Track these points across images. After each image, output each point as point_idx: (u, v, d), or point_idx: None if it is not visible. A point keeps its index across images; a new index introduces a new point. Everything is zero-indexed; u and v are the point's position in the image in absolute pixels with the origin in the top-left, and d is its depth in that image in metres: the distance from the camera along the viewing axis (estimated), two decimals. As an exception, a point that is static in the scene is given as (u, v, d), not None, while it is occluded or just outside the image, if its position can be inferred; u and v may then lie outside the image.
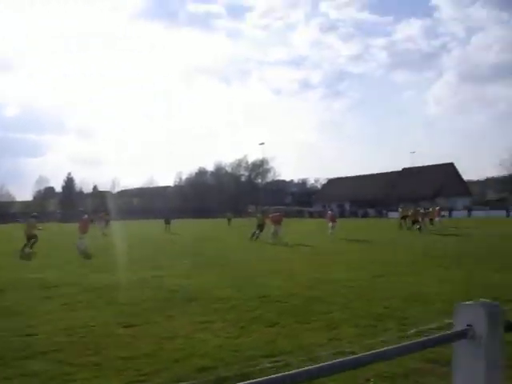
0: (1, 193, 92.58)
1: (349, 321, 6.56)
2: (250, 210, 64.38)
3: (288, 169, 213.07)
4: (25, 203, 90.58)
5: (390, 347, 1.48)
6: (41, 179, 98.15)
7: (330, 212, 27.11)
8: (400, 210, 34.11)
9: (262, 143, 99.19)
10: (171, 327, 6.54)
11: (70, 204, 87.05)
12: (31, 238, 19.27)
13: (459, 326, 1.57)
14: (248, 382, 1.14)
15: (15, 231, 25.81)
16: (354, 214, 74.50)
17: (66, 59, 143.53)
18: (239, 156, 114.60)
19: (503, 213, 60.00)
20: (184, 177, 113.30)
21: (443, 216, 36.78)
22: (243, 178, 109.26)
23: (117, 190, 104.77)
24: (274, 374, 1.27)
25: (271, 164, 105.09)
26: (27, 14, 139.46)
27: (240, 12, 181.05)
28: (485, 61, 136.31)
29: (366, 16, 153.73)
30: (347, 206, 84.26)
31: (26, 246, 18.90)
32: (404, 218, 30.50)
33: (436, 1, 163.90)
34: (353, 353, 4.95)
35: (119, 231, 29.25)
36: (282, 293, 8.92)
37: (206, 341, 5.81)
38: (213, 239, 25.80)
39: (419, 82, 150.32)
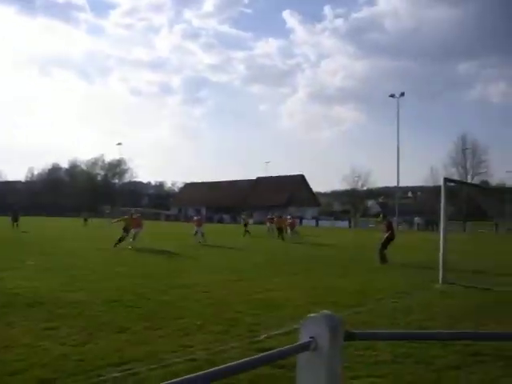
0: None
1: (202, 326, 6.57)
2: (107, 211, 61.86)
3: (145, 171, 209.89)
4: None
5: (239, 361, 1.50)
6: None
7: (196, 217, 26.50)
8: (243, 217, 36.81)
9: (120, 143, 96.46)
10: (10, 335, 5.95)
11: None
12: None
13: (303, 338, 1.64)
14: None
15: None
16: (209, 219, 75.42)
17: None
18: (96, 155, 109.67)
19: (346, 223, 65.68)
20: (36, 172, 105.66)
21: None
22: (99, 178, 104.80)
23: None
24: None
25: (128, 165, 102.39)
26: None
27: (103, 8, 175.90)
28: (331, 84, 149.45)
29: (226, 29, 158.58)
30: (203, 211, 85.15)
31: None
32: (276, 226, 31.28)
33: (291, 24, 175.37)
34: (206, 360, 4.99)
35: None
36: (134, 297, 8.66)
37: (48, 350, 5.38)
38: (65, 239, 24.30)
39: (274, 96, 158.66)
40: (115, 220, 23.30)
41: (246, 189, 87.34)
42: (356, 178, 79.11)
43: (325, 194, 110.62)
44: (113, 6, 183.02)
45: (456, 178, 54.88)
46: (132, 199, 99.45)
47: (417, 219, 59.29)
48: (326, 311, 1.73)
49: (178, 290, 9.67)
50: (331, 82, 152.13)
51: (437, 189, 12.54)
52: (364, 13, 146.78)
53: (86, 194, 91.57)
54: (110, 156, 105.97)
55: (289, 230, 26.87)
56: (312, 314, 1.68)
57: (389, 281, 11.50)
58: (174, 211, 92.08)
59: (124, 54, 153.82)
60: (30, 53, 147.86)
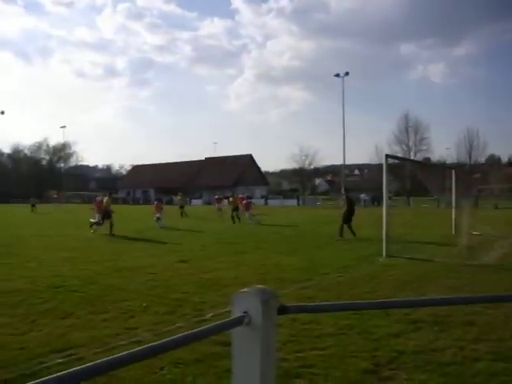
0: None
1: (147, 308, 6.50)
2: (54, 196, 59.83)
3: (92, 154, 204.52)
4: None
5: (169, 338, 1.47)
6: None
7: (156, 202, 25.32)
8: (178, 198, 35.56)
9: (64, 126, 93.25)
10: None
11: None
12: None
13: (236, 313, 1.63)
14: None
15: None
16: (158, 201, 74.55)
17: None
18: (39, 139, 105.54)
19: (295, 201, 66.66)
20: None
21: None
22: (44, 162, 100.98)
23: None
24: (65, 369, 1.17)
25: (74, 148, 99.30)
26: None
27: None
28: (278, 64, 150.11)
29: (172, 8, 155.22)
30: (152, 193, 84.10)
31: None
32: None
33: (236, 5, 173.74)
34: (152, 341, 4.94)
35: None
36: (78, 282, 8.46)
37: (-13, 341, 5.19)
38: (9, 226, 23.42)
39: (221, 77, 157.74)
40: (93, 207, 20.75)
41: (194, 169, 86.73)
42: (304, 157, 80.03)
43: (273, 174, 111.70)
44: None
45: (400, 155, 56.70)
46: (79, 183, 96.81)
47: (363, 196, 60.82)
48: (258, 285, 1.72)
49: (123, 273, 9.52)
50: (278, 62, 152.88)
51: (382, 166, 12.85)
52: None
53: (30, 179, 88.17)
54: (55, 140, 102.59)
55: (246, 214, 25.12)
56: (244, 289, 1.67)
57: (335, 256, 11.77)
58: (122, 194, 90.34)
59: (66, 34, 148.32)
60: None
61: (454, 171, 18.62)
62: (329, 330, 5.35)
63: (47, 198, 66.05)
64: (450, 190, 18.37)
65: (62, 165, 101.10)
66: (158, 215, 23.06)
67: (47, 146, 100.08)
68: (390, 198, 16.79)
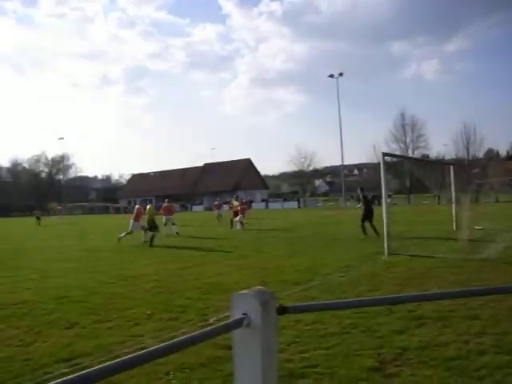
0: None
1: (151, 316, 6.52)
2: (58, 207, 59.81)
3: (91, 164, 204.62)
4: None
5: (170, 342, 1.50)
6: None
7: (165, 204, 23.45)
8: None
9: (62, 138, 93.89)
10: (-51, 343, 5.71)
11: None
12: None
13: (236, 315, 1.65)
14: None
15: None
16: (159, 209, 74.64)
17: None
18: (37, 151, 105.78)
19: (295, 204, 66.68)
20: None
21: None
22: (43, 175, 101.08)
23: None
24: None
25: (72, 160, 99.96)
26: None
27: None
28: (271, 67, 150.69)
29: (164, 16, 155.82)
30: (153, 201, 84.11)
31: None
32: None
33: (227, 9, 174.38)
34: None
35: None
36: (82, 292, 8.47)
37: (-7, 353, 5.21)
38: (12, 240, 23.44)
39: (216, 82, 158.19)
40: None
41: (194, 176, 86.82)
42: (302, 159, 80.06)
43: (273, 177, 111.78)
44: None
45: (398, 153, 56.66)
46: (79, 194, 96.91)
47: (363, 195, 60.79)
48: (257, 287, 1.75)
49: (126, 281, 9.54)
50: (271, 65, 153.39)
51: (380, 165, 12.88)
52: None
53: (30, 192, 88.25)
54: (53, 152, 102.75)
55: (237, 217, 23.99)
56: (243, 291, 1.69)
57: (337, 256, 11.78)
58: (123, 203, 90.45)
59: (59, 45, 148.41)
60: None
61: (452, 167, 18.65)
62: (333, 330, 5.37)
63: (48, 211, 66.13)
64: (450, 185, 18.40)
65: (62, 176, 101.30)
66: (165, 218, 22.12)
67: (46, 158, 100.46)
68: (390, 196, 16.84)
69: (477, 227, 15.70)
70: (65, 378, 1.23)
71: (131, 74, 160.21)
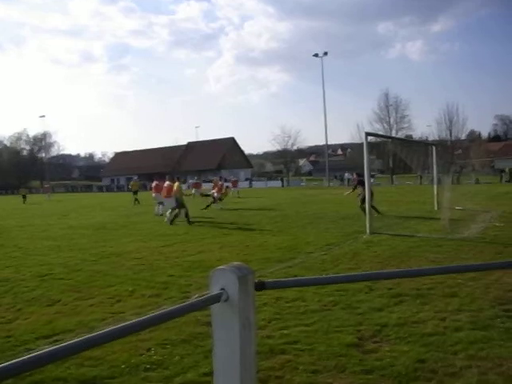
0: None
1: (133, 292, 6.54)
2: (46, 185, 59.03)
3: (74, 143, 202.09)
4: None
5: (148, 316, 1.50)
6: None
7: (158, 183, 21.70)
8: (131, 183, 34.06)
9: (43, 116, 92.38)
10: None
11: None
12: None
13: (214, 290, 1.66)
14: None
15: None
16: (143, 187, 74.16)
17: None
18: (18, 129, 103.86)
19: (279, 183, 66.89)
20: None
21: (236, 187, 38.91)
22: (25, 153, 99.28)
23: None
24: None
25: (55, 138, 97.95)
26: None
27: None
28: (257, 46, 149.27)
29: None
30: (136, 179, 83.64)
31: None
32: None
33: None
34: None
35: None
36: (64, 270, 8.44)
37: (-27, 330, 5.19)
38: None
39: (200, 60, 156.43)
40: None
41: (177, 155, 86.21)
42: (286, 138, 79.70)
43: (257, 156, 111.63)
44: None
45: (382, 133, 56.79)
46: (61, 172, 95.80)
47: (347, 175, 61.12)
48: (235, 262, 1.75)
49: (109, 258, 9.53)
50: (256, 44, 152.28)
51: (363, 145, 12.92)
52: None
53: (11, 170, 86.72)
54: (34, 130, 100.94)
55: (215, 194, 23.13)
56: (221, 266, 1.70)
57: (319, 235, 11.87)
58: (106, 182, 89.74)
59: (39, 21, 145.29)
60: None
61: (434, 148, 18.78)
62: (313, 307, 5.44)
63: (31, 189, 65.37)
64: (432, 166, 18.56)
65: (44, 155, 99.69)
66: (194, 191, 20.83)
67: (27, 136, 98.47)
68: (373, 176, 16.89)
69: (457, 207, 15.91)
70: (47, 349, 1.23)
71: (114, 52, 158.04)
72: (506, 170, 48.81)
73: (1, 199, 51.02)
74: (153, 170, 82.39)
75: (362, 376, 3.64)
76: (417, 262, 8.02)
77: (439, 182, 18.44)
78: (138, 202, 28.81)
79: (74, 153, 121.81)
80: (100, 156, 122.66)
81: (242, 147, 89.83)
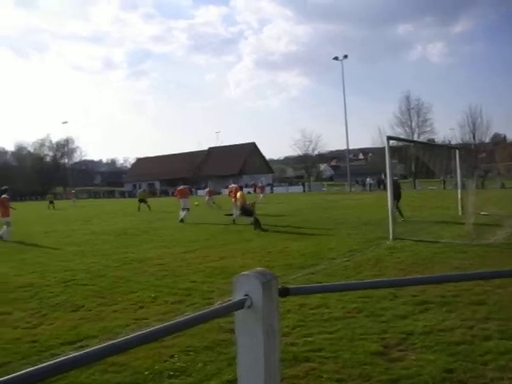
0: None
1: (156, 299, 6.56)
2: (73, 191, 60.05)
3: (96, 148, 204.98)
4: None
5: (172, 322, 1.48)
6: None
7: (183, 187, 21.52)
8: (139, 191, 35.05)
9: (66, 122, 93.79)
10: (-41, 325, 5.77)
11: None
12: None
13: (238, 296, 1.63)
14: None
15: None
16: (164, 193, 74.81)
17: None
18: (41, 135, 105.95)
19: (300, 188, 66.72)
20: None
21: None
22: (48, 159, 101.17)
23: None
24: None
25: (77, 143, 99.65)
26: None
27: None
28: (276, 50, 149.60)
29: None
30: (157, 185, 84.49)
31: None
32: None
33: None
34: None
35: None
36: (87, 276, 8.54)
37: (1, 334, 5.26)
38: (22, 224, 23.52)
39: (220, 65, 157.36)
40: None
41: (198, 160, 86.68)
42: (307, 143, 79.48)
43: (277, 161, 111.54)
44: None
45: (403, 137, 56.18)
46: (84, 178, 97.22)
47: (368, 180, 60.64)
48: (259, 268, 1.72)
49: (131, 264, 9.59)
50: (276, 48, 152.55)
51: (385, 149, 12.82)
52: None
53: (34, 176, 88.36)
54: (57, 136, 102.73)
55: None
56: (244, 272, 1.67)
57: (341, 241, 11.77)
58: (128, 187, 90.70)
59: (60, 28, 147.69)
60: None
61: (458, 151, 18.48)
62: (337, 314, 5.37)
63: (55, 195, 66.48)
64: (456, 170, 18.27)
65: (66, 160, 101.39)
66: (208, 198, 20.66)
67: (50, 142, 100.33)
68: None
69: (482, 213, 15.62)
70: (71, 355, 1.22)
71: (134, 57, 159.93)
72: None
73: (27, 205, 51.88)
74: (174, 175, 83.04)
75: (387, 385, 3.57)
76: (441, 268, 7.88)
77: (463, 186, 18.13)
78: (149, 209, 29.01)
79: (96, 159, 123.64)
80: (122, 162, 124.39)
81: (263, 152, 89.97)
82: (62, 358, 1.22)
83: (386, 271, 7.84)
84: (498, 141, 71.06)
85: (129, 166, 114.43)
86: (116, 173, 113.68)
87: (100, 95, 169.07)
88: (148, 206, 29.46)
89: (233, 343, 4.38)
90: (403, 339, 4.49)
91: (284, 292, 1.72)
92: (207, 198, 31.45)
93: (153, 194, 59.28)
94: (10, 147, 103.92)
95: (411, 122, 65.08)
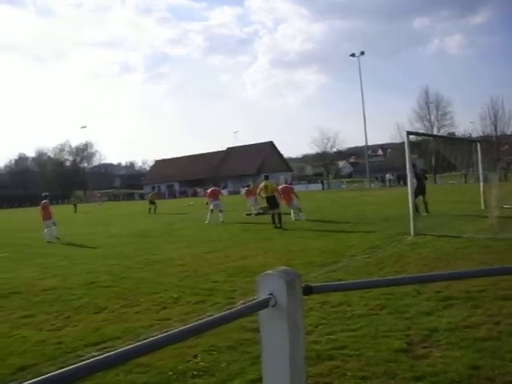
0: None
1: (178, 299, 6.59)
2: (98, 194, 60.94)
3: (115, 152, 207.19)
4: None
5: (195, 323, 1.49)
6: None
7: (214, 188, 20.94)
8: (149, 194, 35.02)
9: (84, 126, 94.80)
10: (-15, 328, 5.88)
11: None
12: None
13: (262, 296, 1.63)
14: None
15: None
16: (183, 194, 75.29)
17: None
18: (61, 140, 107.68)
19: (319, 186, 66.47)
20: (2, 164, 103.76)
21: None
22: (68, 163, 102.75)
23: None
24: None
25: (96, 147, 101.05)
26: None
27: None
28: (291, 48, 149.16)
29: (180, 0, 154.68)
30: (176, 186, 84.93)
31: None
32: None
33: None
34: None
35: None
36: (110, 277, 8.64)
37: (26, 337, 5.34)
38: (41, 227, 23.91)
39: (235, 65, 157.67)
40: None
41: (217, 160, 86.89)
42: (325, 141, 79.20)
43: (296, 159, 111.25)
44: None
45: (422, 131, 55.52)
46: (103, 182, 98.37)
47: (388, 176, 60.18)
48: (283, 267, 1.72)
49: (153, 266, 9.67)
50: (291, 46, 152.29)
51: (404, 144, 12.67)
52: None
53: (55, 181, 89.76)
54: (76, 140, 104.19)
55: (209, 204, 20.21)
56: (268, 271, 1.67)
57: (361, 237, 11.69)
58: (147, 189, 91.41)
59: (78, 34, 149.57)
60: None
61: (479, 144, 18.20)
62: (360, 311, 5.34)
63: (75, 198, 67.40)
64: (477, 164, 17.99)
65: (86, 164, 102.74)
66: (213, 203, 19.55)
67: (70, 146, 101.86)
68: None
69: (506, 206, 15.35)
70: (95, 358, 1.24)
71: (151, 61, 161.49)
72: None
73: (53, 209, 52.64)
74: (193, 176, 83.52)
75: (412, 383, 3.53)
76: (464, 263, 7.76)
77: (485, 179, 17.83)
78: (155, 212, 29.48)
79: (115, 162, 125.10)
80: (140, 164, 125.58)
81: (281, 151, 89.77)
82: (93, 359, 1.24)
83: (408, 267, 7.76)
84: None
85: (147, 168, 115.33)
86: (135, 175, 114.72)
87: (118, 99, 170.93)
88: (155, 208, 29.99)
89: (256, 342, 4.39)
90: (427, 336, 4.44)
91: (308, 290, 1.71)
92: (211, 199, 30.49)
93: (159, 196, 59.54)
94: (30, 153, 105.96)
95: (430, 116, 64.35)
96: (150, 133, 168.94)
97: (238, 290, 6.89)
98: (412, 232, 11.38)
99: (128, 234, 17.14)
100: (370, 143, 71.57)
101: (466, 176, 45.25)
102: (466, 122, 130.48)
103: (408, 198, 12.09)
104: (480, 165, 17.77)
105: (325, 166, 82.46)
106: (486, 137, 54.75)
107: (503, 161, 47.52)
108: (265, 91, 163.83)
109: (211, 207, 19.57)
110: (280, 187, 17.96)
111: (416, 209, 15.13)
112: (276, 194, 16.51)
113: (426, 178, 17.74)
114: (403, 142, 12.59)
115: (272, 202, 16.29)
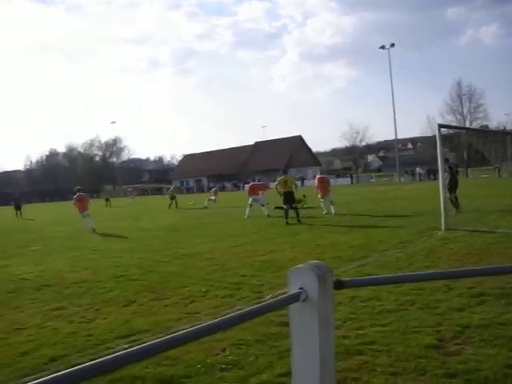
0: None
1: (207, 293, 6.62)
2: (130, 189, 61.78)
3: (143, 147, 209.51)
4: None
5: (227, 316, 1.48)
6: None
7: (253, 184, 20.77)
8: (170, 189, 34.89)
9: (114, 122, 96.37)
10: (19, 318, 6.01)
11: None
12: None
13: (292, 290, 1.61)
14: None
15: None
16: (211, 189, 75.71)
17: None
18: (91, 136, 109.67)
19: (348, 180, 66.00)
20: (34, 160, 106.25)
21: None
22: (97, 158, 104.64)
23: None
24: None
25: (125, 142, 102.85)
26: None
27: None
28: (320, 42, 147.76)
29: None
30: (205, 181, 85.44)
31: None
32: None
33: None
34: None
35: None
36: (139, 271, 8.74)
37: (57, 329, 5.44)
38: (68, 223, 24.44)
39: (264, 60, 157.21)
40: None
41: (245, 155, 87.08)
42: (354, 134, 78.30)
43: (325, 153, 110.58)
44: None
45: (454, 124, 54.40)
46: (132, 176, 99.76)
47: (418, 169, 59.25)
48: (313, 261, 1.70)
49: (181, 259, 9.74)
50: (320, 40, 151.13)
51: (435, 138, 12.42)
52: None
53: (85, 176, 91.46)
54: (106, 136, 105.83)
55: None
56: (299, 265, 1.65)
57: (392, 232, 11.54)
58: (175, 184, 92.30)
59: (107, 31, 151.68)
60: (13, 38, 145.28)
61: (514, 137, 17.71)
62: (389, 307, 5.26)
63: (126, 191, 68.41)
64: (511, 157, 17.52)
65: (115, 159, 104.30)
66: (255, 198, 19.47)
67: (99, 142, 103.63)
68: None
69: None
70: (125, 351, 1.24)
71: (179, 56, 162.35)
72: None
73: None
74: (221, 171, 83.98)
75: (444, 380, 3.46)
76: (498, 259, 7.57)
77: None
78: (176, 207, 29.98)
79: (143, 157, 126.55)
80: (169, 159, 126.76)
81: (310, 145, 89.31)
82: (123, 352, 1.24)
83: (438, 262, 7.62)
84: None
85: (176, 163, 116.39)
86: (163, 170, 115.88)
87: (146, 94, 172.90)
88: (176, 203, 30.38)
89: (284, 337, 4.38)
90: (459, 332, 4.35)
91: (339, 285, 1.68)
92: (214, 197, 30.09)
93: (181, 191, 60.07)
94: (61, 148, 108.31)
95: (462, 108, 63.04)
96: (179, 127, 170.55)
97: (265, 284, 6.88)
98: (443, 227, 11.17)
99: (157, 227, 17.35)
100: (399, 137, 70.58)
101: (499, 170, 44.16)
102: (501, 114, 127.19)
103: (439, 192, 11.85)
104: (514, 158, 17.28)
105: (354, 160, 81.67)
106: (520, 129, 53.26)
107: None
108: (293, 85, 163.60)
109: (250, 201, 19.43)
110: (317, 177, 17.88)
111: (455, 205, 14.84)
112: (294, 189, 16.43)
113: (458, 172, 17.34)
114: (434, 136, 12.37)
115: (288, 198, 16.14)
